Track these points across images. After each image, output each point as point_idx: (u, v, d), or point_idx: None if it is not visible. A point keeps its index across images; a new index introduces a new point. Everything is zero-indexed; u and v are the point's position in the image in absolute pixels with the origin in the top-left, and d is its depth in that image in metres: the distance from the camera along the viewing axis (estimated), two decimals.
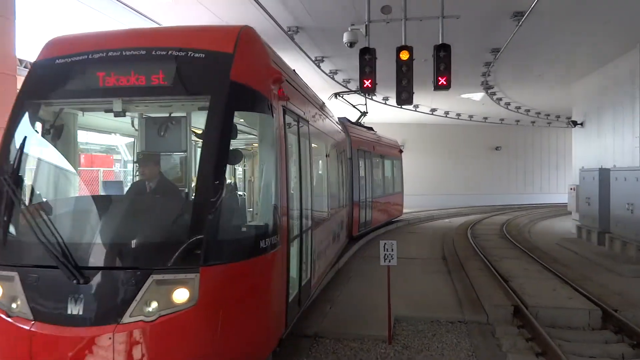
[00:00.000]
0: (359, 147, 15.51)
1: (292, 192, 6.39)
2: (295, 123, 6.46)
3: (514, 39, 12.96)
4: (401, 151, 23.38)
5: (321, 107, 9.92)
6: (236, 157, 5.45)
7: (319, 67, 15.87)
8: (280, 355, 6.50)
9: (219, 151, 4.61)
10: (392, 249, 7.08)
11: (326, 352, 6.72)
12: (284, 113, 5.68)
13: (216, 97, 4.74)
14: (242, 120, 5.87)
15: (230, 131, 4.71)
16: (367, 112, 18.22)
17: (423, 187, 33.76)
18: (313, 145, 8.20)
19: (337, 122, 12.81)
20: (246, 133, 7.46)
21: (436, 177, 34.40)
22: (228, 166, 5.12)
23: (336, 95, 16.20)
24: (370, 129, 18.50)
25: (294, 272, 6.18)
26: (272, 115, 5.21)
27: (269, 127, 5.27)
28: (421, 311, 8.48)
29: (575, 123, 20.01)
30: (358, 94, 17.04)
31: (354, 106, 17.19)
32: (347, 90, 17.92)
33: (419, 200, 32.40)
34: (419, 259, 13.71)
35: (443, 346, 7.00)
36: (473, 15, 11.21)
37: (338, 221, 11.52)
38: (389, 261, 7.10)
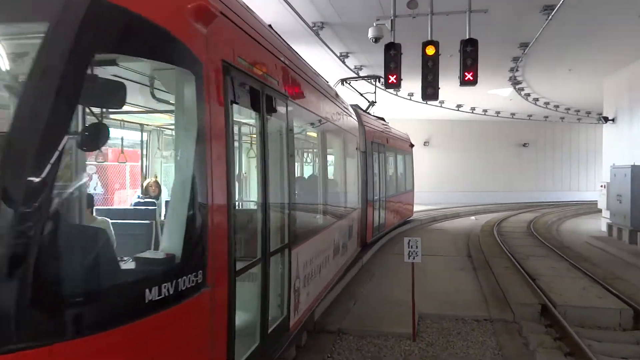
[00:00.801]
0: (374, 139, 13.59)
1: (248, 196, 5.84)
2: (259, 94, 4.37)
3: (543, 33, 12.68)
4: (412, 145, 21.51)
5: (318, 83, 7.66)
6: (95, 136, 2.79)
7: (343, 62, 15.83)
8: (304, 350, 6.55)
9: (49, 122, 2.43)
10: (417, 246, 7.04)
11: (350, 349, 6.72)
12: (228, 74, 3.67)
13: (60, 24, 2.57)
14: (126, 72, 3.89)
15: (80, 87, 2.57)
16: (375, 102, 16.24)
17: (448, 184, 33.49)
18: (301, 132, 6.72)
19: (346, 108, 10.45)
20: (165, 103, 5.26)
21: (462, 173, 34.00)
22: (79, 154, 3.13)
23: (343, 81, 14.61)
24: (382, 119, 16.54)
25: (249, 315, 4.40)
26: (193, 73, 3.22)
27: (185, 93, 3.26)
28: (446, 309, 8.41)
29: (606, 119, 19.51)
30: (366, 81, 16.11)
31: (361, 94, 15.37)
32: (356, 76, 16.40)
33: (444, 197, 32.17)
34: (444, 256, 13.59)
35: (468, 344, 6.93)
36: (501, 9, 11.01)
37: (344, 228, 9.52)
38: (413, 258, 7.06)
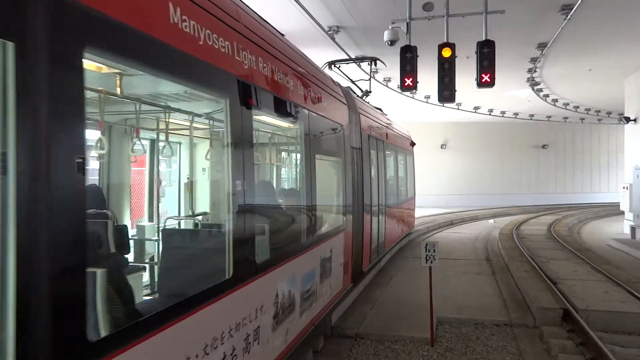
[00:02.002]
0: (372, 132, 10.31)
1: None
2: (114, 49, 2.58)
3: (561, 33, 12.51)
4: (413, 144, 18.12)
5: (274, 45, 4.93)
6: None
7: (359, 66, 15.79)
8: (321, 355, 6.52)
9: None
10: (434, 250, 6.97)
11: (367, 354, 6.68)
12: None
13: None
14: None
15: None
16: (370, 91, 12.82)
17: (466, 187, 33.21)
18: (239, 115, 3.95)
19: (331, 87, 7.43)
20: None
21: (480, 176, 33.71)
22: None
23: (331, 64, 11.60)
24: (379, 109, 13.22)
25: None
26: None
27: None
28: (465, 313, 8.32)
29: (627, 119, 19.15)
30: (356, 63, 13.65)
31: (353, 82, 11.77)
32: (347, 58, 13.27)
33: (462, 200, 31.90)
34: (463, 260, 13.45)
35: (488, 349, 6.84)
36: (518, 9, 10.90)
37: (313, 266, 6.05)
38: (431, 262, 7.00)
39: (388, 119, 13.65)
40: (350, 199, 8.11)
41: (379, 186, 11.01)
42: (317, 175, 6.29)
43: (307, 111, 5.90)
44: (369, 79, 13.29)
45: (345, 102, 8.32)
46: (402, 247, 15.35)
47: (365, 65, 14.89)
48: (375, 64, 12.86)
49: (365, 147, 9.56)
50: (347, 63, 12.44)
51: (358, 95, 11.26)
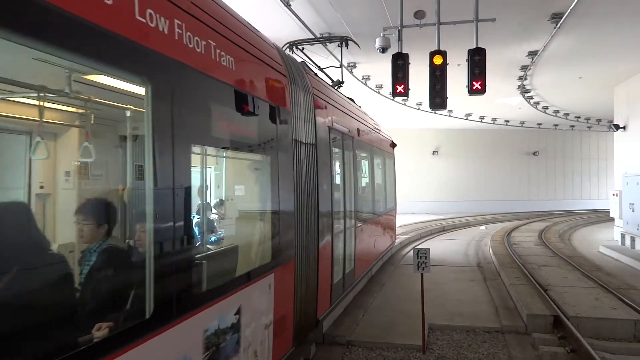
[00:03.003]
0: (334, 125, 7.69)
1: None
2: None
3: (551, 41, 12.63)
4: (394, 145, 15.47)
5: None
6: None
7: (351, 73, 15.85)
8: None
9: None
10: (426, 257, 6.97)
11: None
12: None
13: None
14: None
15: None
16: (342, 82, 10.53)
17: (458, 193, 33.34)
18: None
19: (252, 41, 4.75)
20: None
21: (471, 183, 33.85)
22: None
23: (293, 46, 9.46)
24: (350, 99, 10.37)
25: None
26: None
27: None
28: (456, 320, 8.31)
29: (617, 127, 19.33)
30: (322, 44, 11.36)
31: (320, 69, 10.05)
32: (312, 38, 10.93)
33: (454, 207, 32.01)
34: (454, 267, 13.47)
35: (479, 356, 6.83)
36: (509, 17, 10.99)
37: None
38: (422, 269, 6.99)
39: (361, 112, 10.95)
40: (292, 218, 5.44)
41: (346, 196, 8.45)
42: (217, 179, 4.90)
43: (174, 63, 3.13)
44: (340, 66, 11.01)
45: (287, 74, 5.61)
46: (393, 253, 15.35)
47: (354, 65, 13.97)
48: (347, 45, 10.52)
49: (324, 143, 6.91)
50: (312, 44, 10.37)
51: (331, 86, 9.00)
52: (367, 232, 10.47)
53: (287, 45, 9.36)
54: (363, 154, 10.80)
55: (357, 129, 9.75)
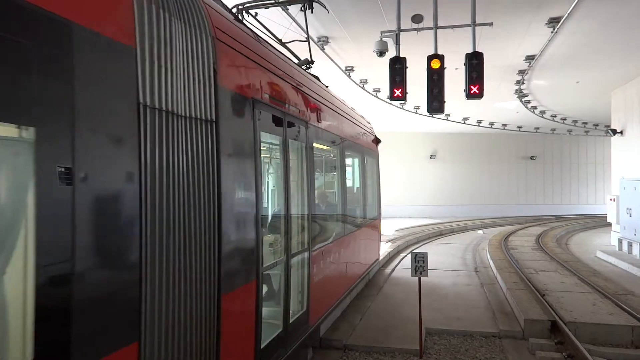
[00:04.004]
0: (268, 97, 5.13)
1: None
2: None
3: (549, 46, 12.65)
4: (378, 141, 12.56)
5: None
6: None
7: (349, 76, 15.85)
8: None
9: None
10: (424, 261, 6.94)
11: None
12: None
13: None
14: None
15: None
16: (312, 61, 8.32)
17: (456, 197, 33.36)
18: None
19: None
20: None
21: (469, 187, 33.88)
22: None
23: (241, 10, 7.21)
24: (316, 78, 8.16)
25: None
26: None
27: None
28: (454, 324, 8.28)
29: (614, 131, 19.36)
30: (282, 7, 9.02)
31: (282, 43, 7.81)
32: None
33: (451, 211, 32.03)
34: (451, 271, 13.44)
35: None
36: (506, 22, 11.01)
37: None
38: (420, 273, 6.96)
39: (327, 92, 8.29)
40: (135, 252, 2.96)
41: (291, 208, 5.67)
42: None
43: None
44: (307, 39, 8.35)
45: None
46: (391, 256, 15.32)
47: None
48: (311, 9, 7.94)
49: (238, 123, 4.43)
50: (267, 7, 7.61)
51: (303, 68, 7.53)
52: (333, 254, 7.66)
53: (236, 7, 7.00)
54: (326, 148, 8.00)
55: (317, 112, 7.00)
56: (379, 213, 12.45)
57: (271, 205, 6.38)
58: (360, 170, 10.72)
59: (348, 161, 9.59)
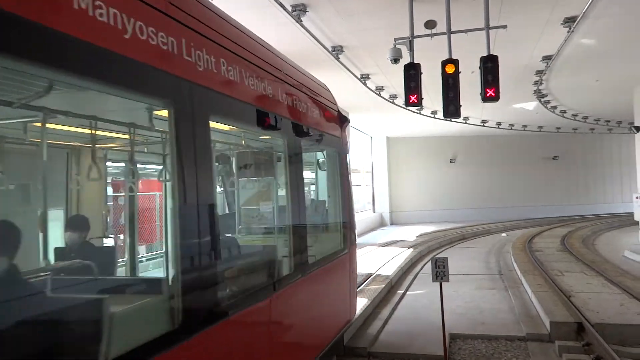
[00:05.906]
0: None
1: None
2: None
3: (566, 46, 12.54)
4: (343, 121, 7.24)
5: None
6: None
7: (364, 84, 15.93)
8: None
9: None
10: (444, 266, 6.93)
11: None
12: None
13: None
14: None
15: None
16: None
17: (477, 200, 33.02)
18: None
19: None
20: None
21: (491, 189, 33.50)
22: None
23: None
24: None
25: None
26: None
27: None
28: (478, 329, 8.23)
29: (638, 128, 19.03)
30: None
31: None
32: None
33: (474, 214, 31.70)
34: (475, 275, 13.33)
35: None
36: (520, 24, 10.96)
37: None
38: (441, 278, 6.95)
39: (241, 32, 4.27)
40: None
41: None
42: None
43: None
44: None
45: None
46: (413, 262, 15.26)
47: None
48: None
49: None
50: None
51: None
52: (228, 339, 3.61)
53: None
54: (226, 133, 4.85)
55: (242, 69, 3.88)
56: (351, 241, 7.11)
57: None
58: (315, 168, 6.86)
59: (279, 155, 5.44)
